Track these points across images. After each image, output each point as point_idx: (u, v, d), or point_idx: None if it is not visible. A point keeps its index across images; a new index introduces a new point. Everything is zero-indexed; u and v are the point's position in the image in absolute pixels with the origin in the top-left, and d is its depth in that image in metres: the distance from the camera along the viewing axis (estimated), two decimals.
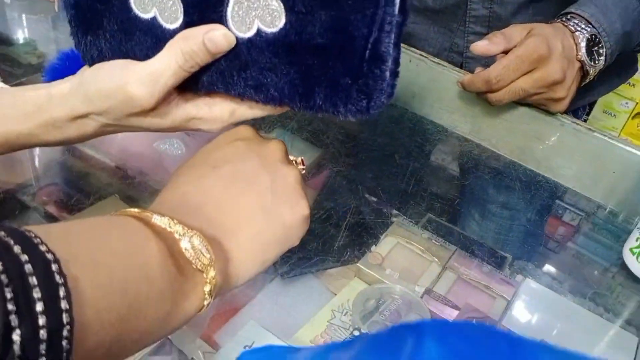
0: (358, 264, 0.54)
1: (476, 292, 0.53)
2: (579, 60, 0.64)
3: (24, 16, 0.92)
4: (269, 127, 0.73)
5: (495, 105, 0.66)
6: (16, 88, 0.43)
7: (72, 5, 0.40)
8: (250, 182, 0.38)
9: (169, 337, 0.47)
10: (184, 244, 0.32)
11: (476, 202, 0.66)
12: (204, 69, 0.39)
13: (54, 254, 0.24)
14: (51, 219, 0.58)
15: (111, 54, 0.41)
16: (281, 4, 0.35)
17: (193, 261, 0.32)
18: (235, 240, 0.36)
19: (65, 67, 0.50)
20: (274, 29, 0.36)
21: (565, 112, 0.68)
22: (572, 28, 0.65)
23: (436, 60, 0.73)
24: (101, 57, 0.41)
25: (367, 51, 0.34)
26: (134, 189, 0.61)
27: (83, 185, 0.62)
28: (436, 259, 0.56)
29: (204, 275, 0.33)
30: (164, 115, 0.41)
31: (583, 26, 0.65)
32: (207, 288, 0.33)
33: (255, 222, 0.37)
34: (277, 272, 0.53)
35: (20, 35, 0.89)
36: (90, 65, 0.41)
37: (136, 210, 0.33)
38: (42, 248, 0.24)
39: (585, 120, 0.93)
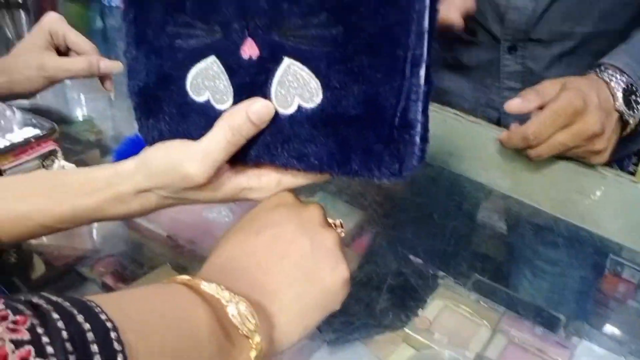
0: (405, 329, 0.53)
1: (529, 356, 0.51)
2: (617, 110, 0.64)
3: (82, 96, 0.99)
4: (311, 191, 0.75)
5: (535, 160, 0.65)
6: (85, 168, 0.47)
7: (136, 94, 0.45)
8: (290, 246, 0.39)
9: None
10: (231, 310, 0.33)
11: (522, 260, 0.65)
12: (252, 144, 0.42)
13: (112, 322, 0.26)
14: (108, 289, 0.61)
15: (169, 135, 0.44)
16: (319, 82, 0.38)
17: (239, 327, 0.33)
18: (278, 304, 0.37)
19: (130, 151, 0.54)
20: (313, 105, 0.39)
21: (609, 163, 0.67)
22: (607, 79, 0.65)
23: (471, 118, 0.74)
24: (161, 137, 0.45)
25: (397, 119, 0.37)
26: (184, 257, 0.64)
27: (137, 256, 0.65)
28: (486, 322, 0.55)
29: (250, 341, 0.34)
30: (218, 188, 0.43)
31: (618, 76, 0.65)
32: (253, 354, 0.34)
33: (296, 286, 0.38)
34: (323, 339, 0.53)
35: (79, 113, 0.95)
36: (151, 144, 0.45)
37: (186, 277, 0.35)
38: (103, 317, 0.26)
39: (634, 170, 0.91)
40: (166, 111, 0.44)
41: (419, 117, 0.37)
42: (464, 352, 0.51)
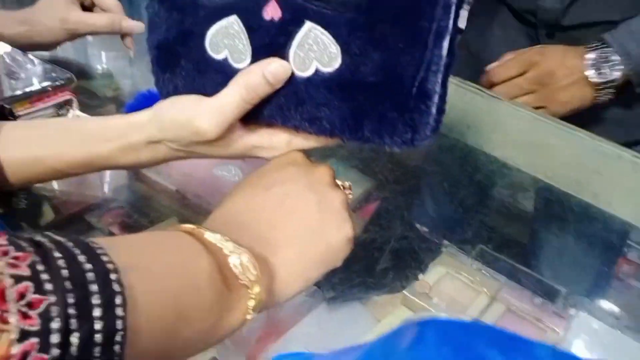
0: (404, 292, 0.54)
1: (525, 324, 0.51)
2: (586, 72, 0.70)
3: (103, 53, 0.99)
4: (322, 157, 0.75)
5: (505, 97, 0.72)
6: (100, 117, 0.48)
7: (155, 46, 0.45)
8: (298, 203, 0.39)
9: (217, 357, 0.48)
10: (233, 260, 0.34)
11: (529, 234, 0.65)
12: (265, 104, 0.42)
13: (114, 264, 0.27)
14: None
15: (185, 90, 0.45)
16: (338, 48, 0.38)
17: (240, 276, 0.34)
18: (281, 258, 0.38)
19: (141, 106, 0.55)
20: (331, 69, 0.39)
21: (631, 144, 0.67)
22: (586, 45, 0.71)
23: (492, 93, 0.73)
24: (176, 92, 0.45)
25: (414, 89, 0.37)
26: (191, 211, 0.64)
27: (145, 208, 0.66)
28: (485, 290, 0.55)
29: (249, 290, 0.34)
30: (228, 145, 0.44)
31: (597, 44, 0.71)
32: (251, 303, 0.34)
33: (301, 241, 0.38)
34: (323, 297, 0.54)
35: (99, 69, 0.96)
36: (166, 98, 0.45)
37: (191, 226, 0.35)
38: (104, 258, 0.27)
39: None
40: (183, 66, 0.44)
41: (438, 88, 0.37)
42: (461, 317, 0.51)
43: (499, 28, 0.88)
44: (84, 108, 0.79)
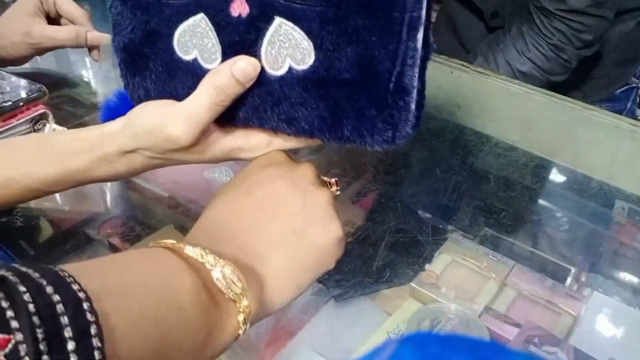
0: (412, 284, 0.53)
1: (539, 308, 0.50)
2: None
3: (86, 59, 0.97)
4: (319, 149, 0.73)
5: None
6: (72, 130, 0.46)
7: (121, 49, 0.43)
8: (281, 205, 0.38)
9: None
10: (216, 274, 0.33)
11: (533, 213, 0.63)
12: (240, 106, 0.40)
13: (85, 292, 0.25)
14: (115, 250, 0.61)
15: (156, 93, 0.43)
16: (311, 43, 0.37)
17: (225, 291, 0.33)
18: (268, 265, 0.36)
19: (120, 105, 0.53)
20: (304, 66, 0.37)
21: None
22: None
23: (478, 69, 0.72)
24: (147, 96, 0.43)
25: (391, 84, 0.36)
26: (186, 217, 0.63)
27: (142, 217, 0.64)
28: (494, 275, 0.54)
29: (237, 304, 0.33)
30: (205, 149, 0.42)
31: None
32: (240, 317, 0.33)
33: (287, 246, 0.37)
34: (330, 295, 0.53)
35: (83, 76, 0.94)
36: (137, 103, 0.44)
37: (170, 241, 0.34)
38: (75, 287, 0.25)
39: None
40: (152, 69, 0.42)
41: (415, 82, 0.35)
42: (472, 305, 0.50)
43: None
44: (70, 117, 0.77)
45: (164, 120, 0.40)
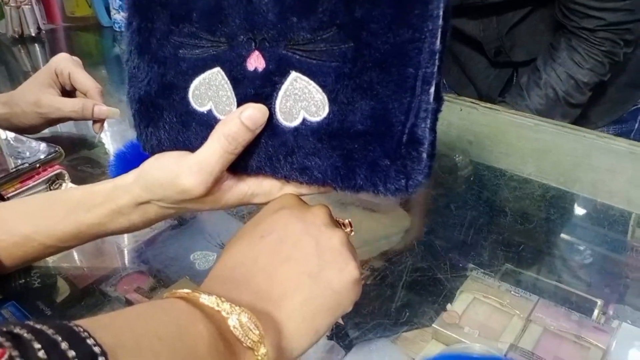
0: (434, 325, 0.51)
1: (566, 343, 0.49)
2: None
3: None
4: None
5: None
6: (85, 185, 0.46)
7: (136, 100, 0.44)
8: (295, 248, 0.38)
9: None
10: (232, 322, 0.32)
11: (554, 245, 0.62)
12: (254, 155, 0.41)
13: (101, 347, 0.25)
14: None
15: (169, 144, 0.44)
16: (325, 96, 0.38)
17: (242, 339, 0.32)
18: (285, 311, 0.35)
19: (132, 155, 0.54)
20: (318, 118, 0.38)
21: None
22: None
23: (487, 105, 0.72)
24: (160, 146, 0.44)
25: (405, 136, 0.36)
26: (204, 269, 0.63)
27: (159, 271, 0.64)
28: (518, 311, 0.52)
29: (255, 352, 0.32)
30: (219, 198, 0.42)
31: None
32: None
33: (303, 290, 0.36)
34: (350, 339, 0.52)
35: (100, 137, 0.96)
36: (150, 153, 0.44)
37: (185, 291, 0.33)
38: (90, 342, 0.25)
39: None
40: (167, 120, 0.43)
41: (428, 134, 0.36)
42: (497, 344, 0.49)
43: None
44: (88, 178, 0.79)
45: (177, 172, 0.41)
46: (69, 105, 0.75)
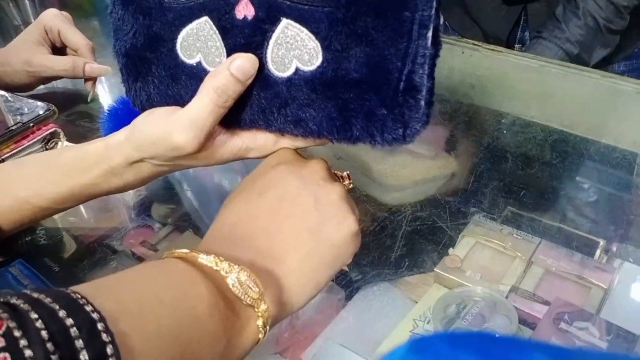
0: (436, 269, 0.52)
1: (568, 284, 0.49)
2: None
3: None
4: None
5: None
6: (77, 145, 0.46)
7: (123, 54, 0.43)
8: (294, 205, 0.37)
9: None
10: (231, 281, 0.32)
11: (556, 187, 0.62)
12: (246, 108, 0.40)
13: (99, 313, 0.25)
14: (139, 260, 0.61)
15: (159, 98, 0.43)
16: (318, 44, 0.36)
17: (242, 297, 0.32)
18: (285, 267, 0.36)
19: (123, 111, 0.54)
20: (312, 67, 0.37)
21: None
22: None
23: (490, 46, 0.70)
24: (150, 101, 0.43)
25: (402, 83, 0.35)
26: (207, 220, 0.63)
27: (161, 225, 0.65)
28: (520, 254, 0.52)
29: (255, 309, 0.33)
30: (212, 153, 0.42)
31: None
32: (259, 322, 0.33)
33: (302, 246, 0.36)
34: (353, 283, 0.53)
35: (99, 90, 0.95)
36: (140, 109, 0.44)
37: (183, 251, 0.33)
38: (88, 308, 0.25)
39: None
40: (155, 73, 0.42)
41: (426, 80, 0.35)
42: (498, 286, 0.49)
43: None
44: (87, 133, 0.78)
45: (168, 129, 0.40)
46: (59, 64, 0.73)
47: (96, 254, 0.63)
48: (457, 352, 0.18)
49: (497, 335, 0.20)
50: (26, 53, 0.72)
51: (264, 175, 0.40)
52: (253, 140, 0.42)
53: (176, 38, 0.40)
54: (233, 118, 0.40)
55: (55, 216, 0.67)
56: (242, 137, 0.42)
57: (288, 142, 0.42)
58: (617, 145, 0.63)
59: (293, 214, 0.37)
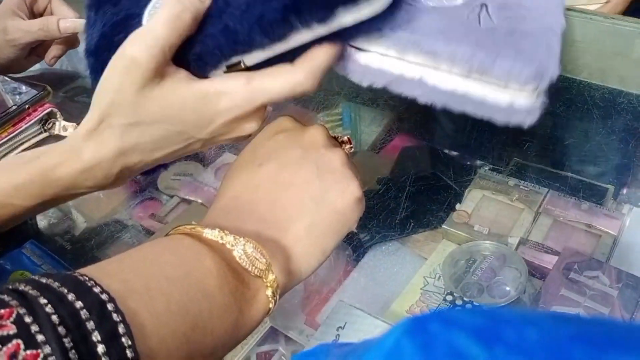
0: (444, 226, 0.52)
1: (577, 233, 0.49)
2: None
3: None
4: (329, 93, 0.71)
5: None
6: (43, 151, 0.40)
7: (93, 50, 0.41)
8: (295, 174, 0.37)
9: (275, 325, 0.48)
10: (237, 254, 0.32)
11: (562, 136, 0.61)
12: (202, 41, 0.37)
13: (108, 294, 0.25)
14: (149, 233, 0.62)
15: None
16: None
17: (249, 268, 0.32)
18: (290, 235, 0.36)
19: None
20: None
21: None
22: None
23: None
24: None
25: None
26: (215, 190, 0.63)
27: (169, 197, 0.65)
28: (527, 206, 0.52)
29: (263, 279, 0.33)
30: (178, 97, 0.37)
31: None
32: (269, 292, 0.33)
33: (307, 214, 0.36)
34: (362, 246, 0.53)
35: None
36: None
37: (188, 227, 0.34)
38: (96, 290, 0.25)
39: None
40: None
41: None
42: (507, 239, 0.49)
43: None
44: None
45: (122, 47, 0.36)
46: (34, 25, 0.71)
47: (107, 229, 0.63)
48: (451, 331, 0.18)
49: (492, 310, 0.20)
50: (1, 22, 0.71)
51: (263, 146, 0.39)
52: (221, 83, 0.37)
53: (143, 12, 0.39)
54: (200, 57, 0.37)
55: None
56: (210, 80, 0.37)
57: (261, 78, 0.37)
58: (622, 89, 0.62)
59: (295, 183, 0.37)
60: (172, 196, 0.66)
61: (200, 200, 0.63)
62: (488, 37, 0.37)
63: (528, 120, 0.40)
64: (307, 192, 0.36)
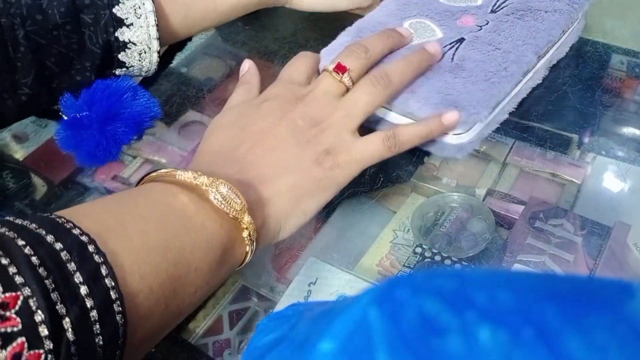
0: (412, 179, 0.52)
1: (542, 182, 0.50)
2: None
3: None
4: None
5: None
6: None
7: None
8: (276, 139, 0.38)
9: (246, 283, 0.48)
10: (212, 194, 0.32)
11: None
12: None
13: (88, 235, 0.25)
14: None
15: None
16: None
17: (226, 209, 0.32)
18: (273, 187, 0.36)
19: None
20: None
21: None
22: None
23: None
24: None
25: None
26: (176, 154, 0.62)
27: (132, 152, 0.63)
28: (494, 157, 0.52)
29: (241, 221, 0.33)
30: None
31: None
32: (245, 234, 0.33)
33: (291, 173, 0.37)
34: (332, 203, 0.53)
35: None
36: None
37: (161, 171, 0.33)
38: (76, 232, 0.25)
39: None
40: None
41: None
42: (474, 190, 0.50)
43: None
44: None
45: None
46: None
47: (69, 193, 0.61)
48: (419, 297, 0.18)
49: (462, 271, 0.19)
50: None
51: (248, 111, 0.40)
52: None
53: None
54: None
55: (20, 157, 0.65)
56: None
57: None
58: (588, 37, 0.62)
59: (276, 147, 0.37)
60: (135, 157, 0.64)
61: (164, 160, 0.62)
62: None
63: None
64: (289, 157, 0.37)
